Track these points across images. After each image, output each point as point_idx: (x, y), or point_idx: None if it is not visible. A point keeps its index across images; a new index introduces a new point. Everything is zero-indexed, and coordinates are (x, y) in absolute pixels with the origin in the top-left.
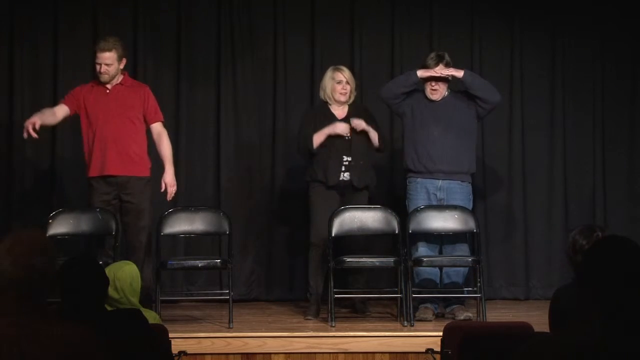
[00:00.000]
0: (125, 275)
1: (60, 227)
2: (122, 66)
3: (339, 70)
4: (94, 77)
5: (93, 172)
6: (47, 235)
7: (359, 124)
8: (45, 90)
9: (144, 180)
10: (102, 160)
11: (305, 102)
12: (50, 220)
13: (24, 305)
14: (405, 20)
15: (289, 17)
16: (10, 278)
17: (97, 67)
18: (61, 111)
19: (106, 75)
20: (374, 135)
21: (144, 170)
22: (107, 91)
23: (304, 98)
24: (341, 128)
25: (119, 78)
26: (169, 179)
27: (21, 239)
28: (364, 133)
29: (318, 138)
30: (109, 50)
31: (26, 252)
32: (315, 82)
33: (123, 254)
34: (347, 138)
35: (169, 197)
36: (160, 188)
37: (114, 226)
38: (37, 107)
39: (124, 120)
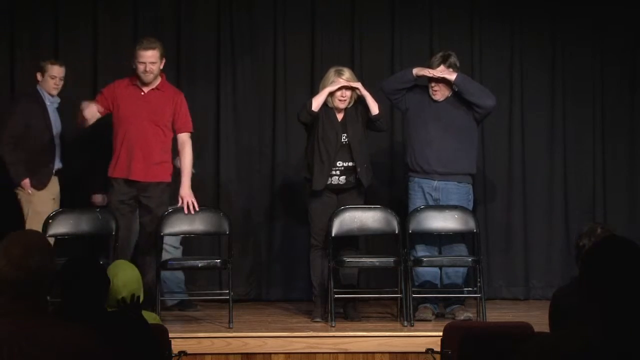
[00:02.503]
0: (127, 278)
1: (60, 227)
2: (162, 66)
3: (339, 74)
4: (85, 77)
5: (118, 173)
6: (47, 235)
7: (357, 84)
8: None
9: (164, 185)
10: (127, 165)
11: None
12: (50, 220)
13: (23, 306)
14: (405, 20)
15: (289, 17)
16: (7, 279)
17: (142, 66)
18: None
19: (150, 75)
20: (371, 101)
21: (165, 175)
22: (142, 93)
23: (304, 98)
24: (341, 83)
25: (157, 81)
26: (186, 191)
27: (18, 240)
28: (360, 134)
29: (319, 98)
30: (153, 48)
31: (23, 252)
32: (315, 82)
33: (127, 254)
34: (344, 143)
35: (186, 210)
36: (177, 202)
37: (114, 226)
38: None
39: (154, 127)
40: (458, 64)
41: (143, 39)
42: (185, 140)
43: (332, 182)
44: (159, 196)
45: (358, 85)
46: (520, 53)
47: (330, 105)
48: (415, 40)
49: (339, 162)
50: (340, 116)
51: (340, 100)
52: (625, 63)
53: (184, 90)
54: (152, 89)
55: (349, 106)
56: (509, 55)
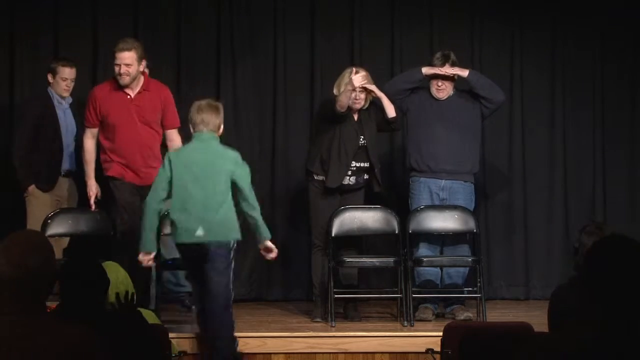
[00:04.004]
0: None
1: (59, 227)
2: (142, 68)
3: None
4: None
5: (124, 177)
6: (46, 235)
7: (372, 87)
8: (46, 90)
9: None
10: (136, 171)
11: (305, 102)
12: (49, 221)
13: (23, 305)
14: (405, 20)
15: (289, 17)
16: (7, 278)
17: (117, 68)
18: (94, 141)
19: (127, 77)
20: (387, 103)
21: None
22: (129, 97)
23: (304, 98)
24: (358, 80)
25: (140, 82)
26: None
27: (17, 239)
28: (374, 136)
29: (344, 100)
30: (129, 49)
31: (22, 252)
32: (315, 82)
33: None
34: (362, 144)
35: None
36: None
37: (112, 226)
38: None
39: (148, 130)
40: (457, 62)
41: (120, 41)
42: (175, 137)
43: (343, 183)
44: None
45: (373, 87)
46: (520, 53)
47: None
48: (415, 40)
49: (353, 162)
50: (355, 117)
51: (355, 101)
52: (625, 63)
53: (183, 90)
54: (139, 92)
55: (363, 108)
56: (509, 55)
